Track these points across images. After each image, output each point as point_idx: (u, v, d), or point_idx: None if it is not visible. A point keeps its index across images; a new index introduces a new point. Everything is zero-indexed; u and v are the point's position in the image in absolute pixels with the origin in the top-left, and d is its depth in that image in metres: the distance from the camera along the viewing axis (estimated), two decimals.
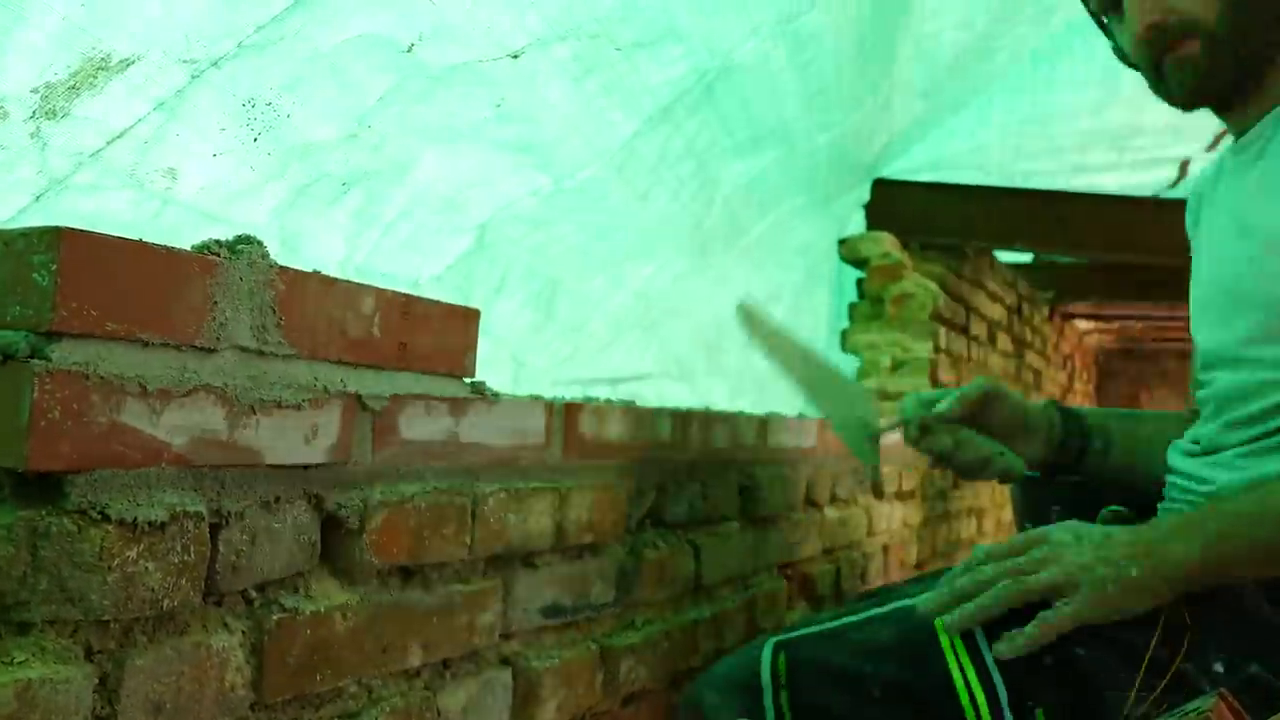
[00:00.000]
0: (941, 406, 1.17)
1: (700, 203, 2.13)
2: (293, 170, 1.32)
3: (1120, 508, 1.02)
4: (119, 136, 1.14)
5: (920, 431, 1.18)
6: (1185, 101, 1.04)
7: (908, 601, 1.00)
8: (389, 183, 1.45)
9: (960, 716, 0.89)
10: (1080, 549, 0.90)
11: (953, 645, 0.92)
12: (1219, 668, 0.86)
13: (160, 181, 1.21)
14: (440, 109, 1.40)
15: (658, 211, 2.00)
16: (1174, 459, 1.09)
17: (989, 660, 0.90)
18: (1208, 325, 1.08)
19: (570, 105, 1.55)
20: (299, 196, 1.36)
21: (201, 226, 1.29)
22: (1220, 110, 1.07)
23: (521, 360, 2.02)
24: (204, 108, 1.16)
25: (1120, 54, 1.12)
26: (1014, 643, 0.89)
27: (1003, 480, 1.22)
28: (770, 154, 2.21)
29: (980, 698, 0.89)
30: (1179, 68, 1.00)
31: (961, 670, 0.91)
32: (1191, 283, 1.13)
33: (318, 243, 1.44)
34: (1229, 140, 1.11)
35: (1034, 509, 1.22)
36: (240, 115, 1.20)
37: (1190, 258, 1.16)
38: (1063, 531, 0.94)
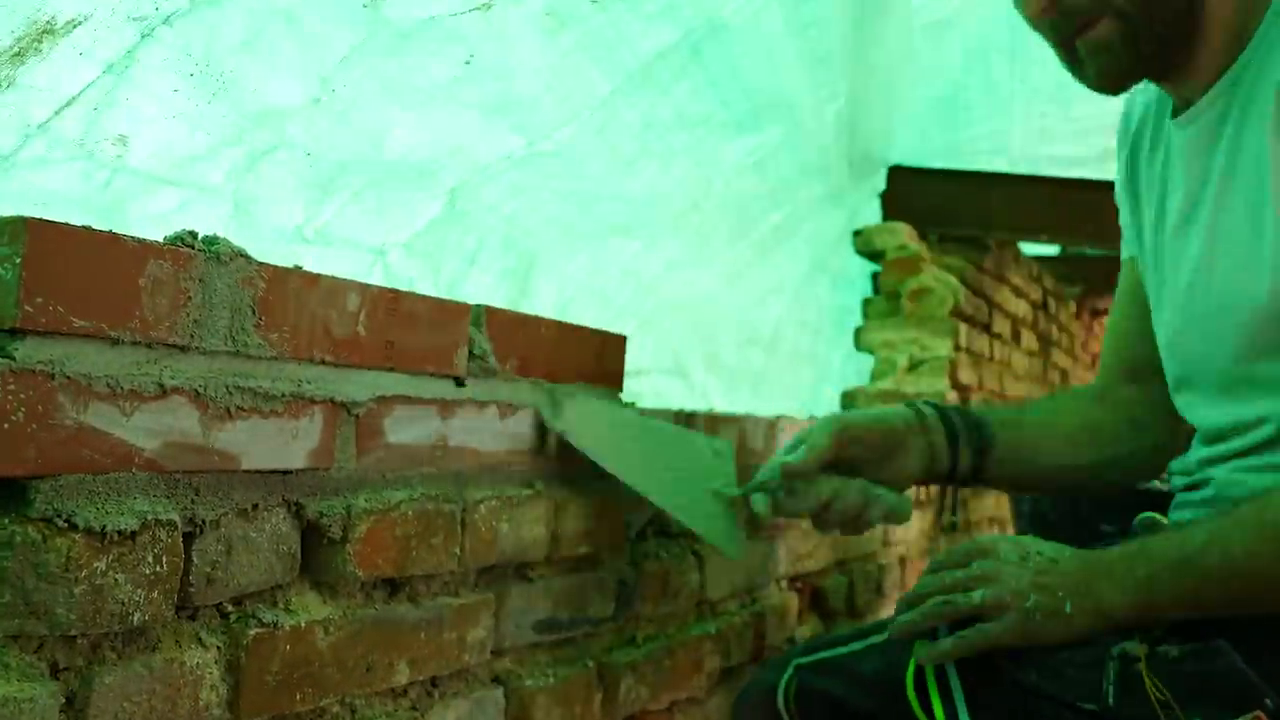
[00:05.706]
0: (794, 458, 1.08)
1: (697, 180, 2.13)
2: (247, 129, 1.33)
3: (1155, 514, 1.05)
4: (67, 105, 1.14)
5: (785, 494, 1.10)
6: (1107, 86, 0.99)
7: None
8: (351, 143, 1.45)
9: None
10: (1021, 572, 0.95)
11: (917, 677, 0.97)
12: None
13: (111, 150, 1.21)
14: (407, 66, 1.40)
15: (646, 183, 2.00)
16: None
17: (955, 688, 0.94)
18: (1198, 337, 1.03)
19: (544, 62, 1.55)
20: (255, 160, 1.36)
21: (152, 190, 1.29)
22: (1156, 79, 1.03)
23: None
24: (155, 69, 1.17)
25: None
26: (933, 649, 0.95)
27: (888, 522, 1.14)
28: (773, 129, 2.20)
29: None
30: (1093, 52, 0.96)
31: (924, 703, 0.96)
32: (1159, 279, 1.07)
33: (274, 207, 1.43)
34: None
35: (1079, 523, 1.22)
36: (194, 76, 1.20)
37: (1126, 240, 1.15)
38: (1011, 547, 0.99)
